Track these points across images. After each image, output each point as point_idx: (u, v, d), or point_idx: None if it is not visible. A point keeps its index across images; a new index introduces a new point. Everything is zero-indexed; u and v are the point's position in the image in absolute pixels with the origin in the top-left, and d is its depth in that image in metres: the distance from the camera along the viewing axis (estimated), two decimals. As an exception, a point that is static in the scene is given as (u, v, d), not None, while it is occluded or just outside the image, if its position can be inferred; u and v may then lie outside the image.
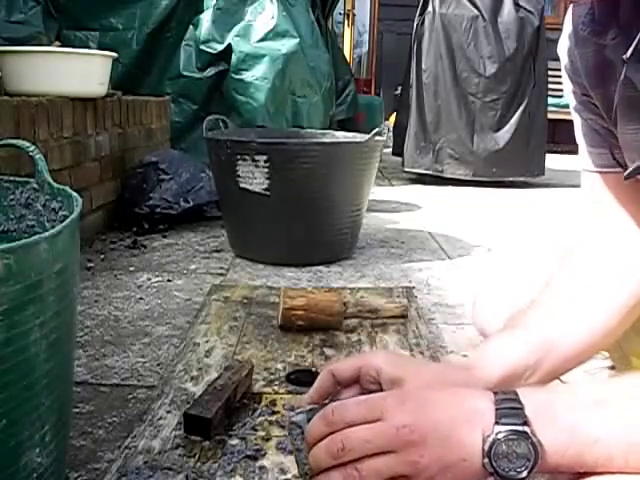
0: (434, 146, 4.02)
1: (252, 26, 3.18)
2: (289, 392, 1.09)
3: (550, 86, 4.27)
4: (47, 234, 0.63)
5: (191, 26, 3.21)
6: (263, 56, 3.09)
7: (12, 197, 0.87)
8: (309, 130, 2.75)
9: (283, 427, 0.96)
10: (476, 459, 0.51)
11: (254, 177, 1.94)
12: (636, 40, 0.59)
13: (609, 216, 0.79)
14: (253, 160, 1.92)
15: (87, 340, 1.39)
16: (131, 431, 0.96)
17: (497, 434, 0.51)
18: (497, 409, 0.52)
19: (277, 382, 1.13)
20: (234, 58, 3.11)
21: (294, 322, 1.37)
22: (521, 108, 3.99)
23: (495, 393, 0.54)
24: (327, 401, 0.66)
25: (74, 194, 0.80)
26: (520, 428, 0.50)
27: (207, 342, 1.30)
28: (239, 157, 1.94)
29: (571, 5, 0.72)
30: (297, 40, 3.18)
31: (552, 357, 0.72)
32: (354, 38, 6.97)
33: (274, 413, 1.01)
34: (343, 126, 3.97)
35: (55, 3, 3.08)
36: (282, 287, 1.56)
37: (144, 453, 0.89)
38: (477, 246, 2.42)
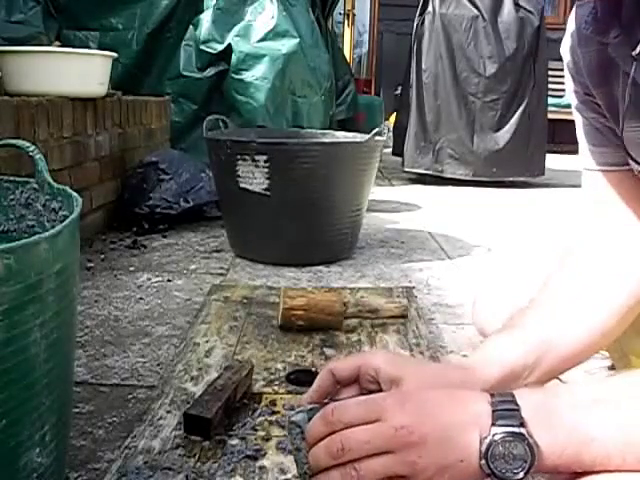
0: (434, 146, 4.02)
1: (252, 26, 3.18)
2: (289, 392, 1.09)
3: (550, 86, 4.27)
4: (47, 234, 0.63)
5: (191, 26, 3.21)
6: (263, 56, 3.09)
7: (12, 197, 0.87)
8: (309, 130, 2.75)
9: (283, 427, 0.96)
10: (473, 460, 0.52)
11: (254, 177, 1.94)
12: None
13: (610, 215, 0.79)
14: (253, 160, 1.92)
15: (87, 340, 1.39)
16: (131, 431, 0.96)
17: (494, 436, 0.51)
18: (494, 411, 0.53)
19: (277, 382, 1.13)
20: (234, 58, 3.11)
21: (294, 322, 1.37)
22: (521, 108, 3.99)
23: (492, 395, 0.55)
24: (327, 400, 0.67)
25: (74, 194, 0.80)
26: (516, 430, 0.51)
27: (207, 342, 1.30)
28: (239, 157, 1.94)
29: (575, 5, 0.72)
30: (297, 40, 3.18)
31: (551, 357, 0.72)
32: (354, 38, 6.97)
33: (274, 413, 1.01)
34: (343, 126, 3.97)
35: (55, 3, 3.08)
36: (282, 287, 1.56)
37: (144, 453, 0.89)
38: (477, 246, 2.42)
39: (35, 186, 0.86)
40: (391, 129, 4.48)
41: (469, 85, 3.96)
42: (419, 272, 2.03)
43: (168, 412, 1.01)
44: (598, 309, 0.76)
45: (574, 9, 0.73)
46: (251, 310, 1.51)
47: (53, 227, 0.67)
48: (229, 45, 3.13)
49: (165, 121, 3.11)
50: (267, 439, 0.93)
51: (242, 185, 1.97)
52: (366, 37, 8.02)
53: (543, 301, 0.78)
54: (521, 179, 4.13)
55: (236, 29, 3.17)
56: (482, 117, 3.99)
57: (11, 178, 0.88)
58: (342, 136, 2.37)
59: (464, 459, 0.52)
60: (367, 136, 2.02)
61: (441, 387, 0.63)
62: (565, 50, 0.77)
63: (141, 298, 1.68)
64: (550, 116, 4.43)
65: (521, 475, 0.51)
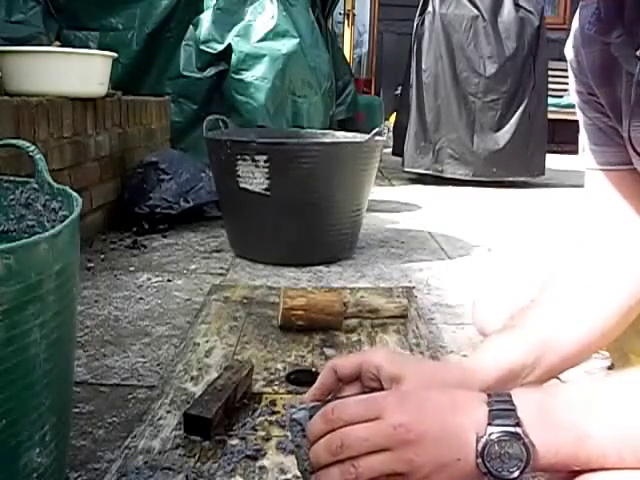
0: (434, 146, 4.02)
1: (252, 26, 3.18)
2: (289, 392, 1.09)
3: (550, 86, 4.27)
4: (47, 234, 0.63)
5: (191, 26, 3.21)
6: (263, 56, 3.09)
7: (12, 197, 0.87)
8: (309, 130, 2.75)
9: (283, 427, 0.96)
10: (470, 459, 0.53)
11: (254, 177, 1.94)
12: None
13: (611, 215, 0.79)
14: (253, 160, 1.92)
15: (87, 340, 1.39)
16: (131, 431, 0.96)
17: (490, 435, 0.52)
18: (490, 410, 0.53)
19: (277, 382, 1.13)
20: (234, 58, 3.11)
21: (294, 322, 1.37)
22: (521, 108, 3.99)
23: (489, 395, 0.55)
24: (329, 398, 0.68)
25: (74, 194, 0.80)
26: (512, 429, 0.52)
27: (207, 342, 1.30)
28: (239, 157, 1.94)
29: (579, 6, 0.73)
30: (297, 40, 3.18)
31: (550, 357, 0.73)
32: (354, 38, 6.97)
33: (274, 413, 1.01)
34: (343, 126, 3.97)
35: (55, 3, 3.08)
36: (282, 287, 1.56)
37: (144, 453, 0.89)
38: (477, 246, 2.42)
39: (35, 186, 0.86)
40: (391, 129, 4.48)
41: (469, 85, 3.96)
42: (419, 272, 2.03)
43: (168, 412, 1.01)
44: (598, 309, 0.76)
45: (578, 10, 0.74)
46: (251, 310, 1.51)
47: (53, 227, 0.67)
48: (229, 45, 3.13)
49: (165, 121, 3.11)
50: (267, 439, 0.93)
51: (242, 185, 1.97)
52: (366, 37, 8.01)
53: (543, 301, 0.78)
54: (521, 179, 4.13)
55: (236, 29, 3.17)
56: (482, 117, 3.99)
57: (11, 178, 0.88)
58: (342, 136, 2.37)
59: (461, 457, 0.53)
60: (367, 136, 2.02)
61: (441, 386, 0.65)
62: (569, 50, 0.78)
63: (141, 298, 1.68)
64: (550, 116, 4.43)
65: (516, 474, 0.52)
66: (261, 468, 0.86)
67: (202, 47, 3.17)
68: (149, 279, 1.85)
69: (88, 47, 3.01)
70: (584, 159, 0.83)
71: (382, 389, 0.67)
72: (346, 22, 6.64)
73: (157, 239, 2.34)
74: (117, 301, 1.65)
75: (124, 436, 0.97)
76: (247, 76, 3.09)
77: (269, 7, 3.20)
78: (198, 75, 3.19)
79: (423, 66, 3.98)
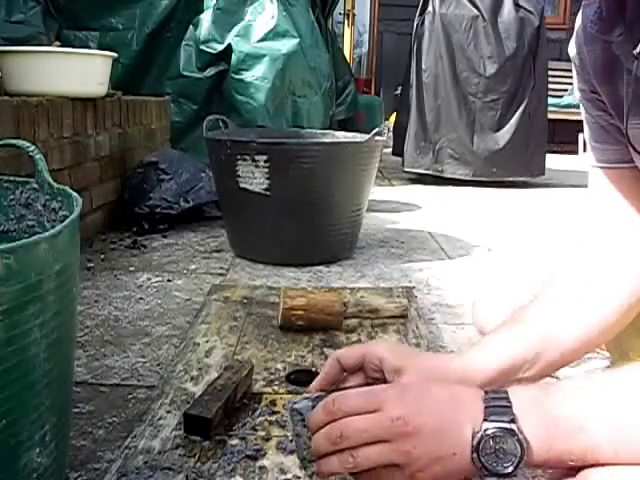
0: (434, 146, 4.02)
1: (252, 26, 3.18)
2: (289, 392, 1.09)
3: (550, 86, 4.27)
4: (47, 234, 0.63)
5: (191, 26, 3.21)
6: (263, 56, 3.09)
7: (12, 197, 0.87)
8: (309, 130, 2.75)
9: (283, 427, 0.96)
10: (466, 454, 0.54)
11: (254, 177, 1.94)
12: None
13: (611, 213, 0.80)
14: (253, 160, 1.92)
15: (87, 340, 1.39)
16: (131, 431, 0.96)
17: (485, 431, 0.53)
18: (486, 407, 0.55)
19: (277, 382, 1.13)
20: (234, 58, 3.11)
21: (294, 322, 1.37)
22: (521, 108, 3.99)
23: (487, 392, 0.57)
24: (333, 387, 0.70)
25: (74, 194, 0.80)
26: (507, 425, 0.53)
27: (207, 342, 1.30)
28: (239, 157, 1.94)
29: (582, 4, 0.74)
30: (297, 40, 3.18)
31: (550, 352, 0.74)
32: (354, 38, 6.96)
33: (274, 413, 1.01)
34: (343, 126, 3.97)
35: (55, 3, 3.08)
36: (282, 287, 1.56)
37: (144, 453, 0.89)
38: (477, 246, 2.42)
39: (35, 186, 0.86)
40: (391, 129, 4.48)
41: (469, 85, 3.96)
42: (419, 272, 2.03)
43: (168, 412, 1.01)
44: (598, 307, 0.77)
45: (581, 8, 0.75)
46: (251, 310, 1.51)
47: (53, 227, 0.67)
48: (229, 45, 3.13)
49: (165, 121, 3.11)
50: (267, 439, 0.93)
51: (242, 185, 1.97)
52: (366, 37, 8.01)
53: (544, 298, 0.79)
54: (521, 179, 4.13)
55: (236, 29, 3.17)
56: (482, 117, 3.99)
57: (11, 178, 0.88)
58: (342, 136, 2.37)
59: (457, 452, 0.54)
60: (367, 136, 2.01)
61: (441, 379, 0.67)
62: (572, 48, 0.79)
63: (141, 298, 1.68)
64: (550, 116, 4.43)
65: (510, 469, 0.53)
66: (261, 468, 0.86)
67: (202, 47, 3.17)
68: (149, 279, 1.85)
69: (88, 47, 3.01)
70: (587, 156, 0.83)
71: (385, 380, 0.68)
72: (346, 22, 6.63)
73: (157, 239, 2.34)
74: (117, 301, 1.65)
75: (124, 436, 0.97)
76: (247, 76, 3.09)
77: (269, 7, 3.20)
78: (198, 75, 3.19)
79: (423, 66, 3.98)
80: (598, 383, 0.58)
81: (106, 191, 2.44)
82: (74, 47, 2.80)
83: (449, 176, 4.03)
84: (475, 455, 0.54)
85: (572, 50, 0.79)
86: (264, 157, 1.91)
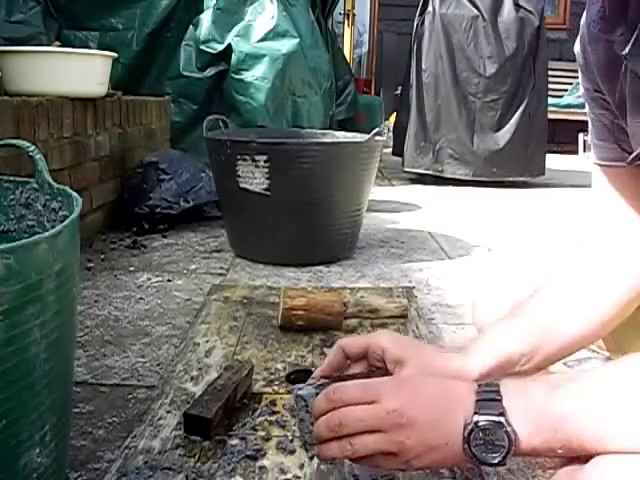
0: (434, 146, 4.02)
1: (252, 26, 3.18)
2: (289, 392, 1.09)
3: (550, 86, 4.27)
4: (47, 234, 0.63)
5: (191, 26, 3.21)
6: (263, 56, 3.09)
7: (12, 197, 0.87)
8: (309, 130, 2.75)
9: (283, 427, 0.96)
10: (457, 444, 0.58)
11: (254, 177, 1.94)
12: (634, 37, 0.63)
13: (611, 210, 0.81)
14: (253, 160, 1.92)
15: (87, 340, 1.39)
16: (131, 431, 0.96)
17: (476, 423, 0.57)
18: (477, 400, 0.59)
19: (277, 382, 1.13)
20: (234, 58, 3.11)
21: (294, 322, 1.37)
22: (521, 108, 3.99)
23: (479, 385, 0.61)
24: (337, 375, 0.75)
25: (74, 194, 0.80)
26: (496, 418, 0.57)
27: (207, 342, 1.30)
28: (239, 157, 1.94)
29: (586, 3, 0.75)
30: (297, 40, 3.18)
31: (548, 346, 0.77)
32: (354, 38, 6.96)
33: (274, 413, 1.01)
34: (343, 126, 3.97)
35: (55, 3, 3.08)
36: (282, 287, 1.56)
37: (144, 453, 0.89)
38: (477, 246, 2.42)
39: (35, 186, 0.86)
40: (391, 129, 4.48)
41: (469, 85, 3.96)
42: (419, 272, 2.03)
43: (168, 412, 1.01)
44: (598, 301, 0.79)
45: (586, 7, 0.75)
46: (251, 310, 1.51)
47: (53, 227, 0.67)
48: (229, 45, 3.13)
49: (165, 121, 3.11)
50: (267, 439, 0.93)
51: (242, 185, 1.97)
52: (366, 37, 8.01)
53: (544, 293, 0.81)
54: (521, 179, 4.13)
55: (236, 29, 3.17)
56: (482, 117, 3.99)
57: (11, 178, 0.88)
58: (342, 136, 2.37)
59: (449, 442, 0.58)
60: (367, 136, 2.01)
61: (441, 371, 0.71)
62: (577, 47, 0.80)
63: (141, 298, 1.68)
64: (550, 116, 4.43)
65: (499, 459, 0.57)
66: (261, 468, 0.86)
67: (202, 47, 3.16)
68: (149, 279, 1.85)
69: (88, 47, 3.01)
70: (590, 155, 0.85)
71: (386, 369, 0.73)
72: (346, 22, 6.63)
73: (157, 239, 2.34)
74: (117, 301, 1.65)
75: (124, 436, 0.97)
76: (247, 76, 3.09)
77: (269, 7, 3.20)
78: (198, 75, 3.19)
79: (423, 66, 3.98)
80: (585, 376, 0.61)
81: (106, 191, 2.44)
82: (74, 47, 2.80)
83: (449, 176, 4.03)
84: (466, 446, 0.57)
85: (577, 48, 0.80)
86: (264, 157, 1.91)
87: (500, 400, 0.58)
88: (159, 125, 3.02)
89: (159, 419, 0.99)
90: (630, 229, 0.79)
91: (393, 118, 4.96)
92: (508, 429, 0.56)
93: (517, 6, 3.95)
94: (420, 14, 4.01)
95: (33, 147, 0.82)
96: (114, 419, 1.06)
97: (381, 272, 2.01)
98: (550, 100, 4.40)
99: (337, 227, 2.08)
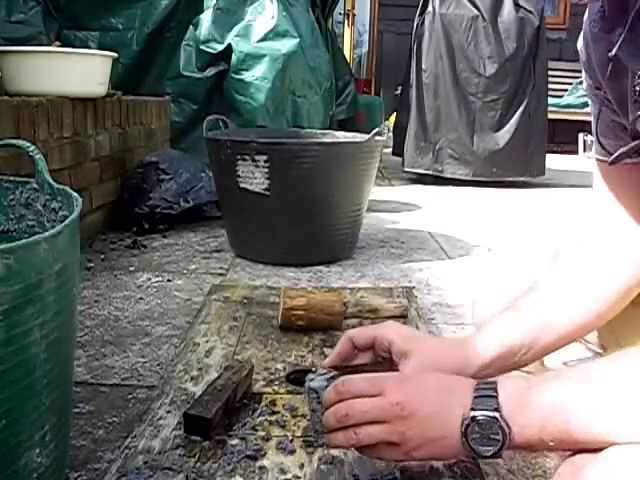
0: (434, 146, 4.02)
1: (252, 26, 3.18)
2: (289, 392, 1.09)
3: (550, 86, 4.27)
4: (47, 234, 0.63)
5: (191, 26, 3.21)
6: (263, 56, 3.09)
7: (12, 197, 0.87)
8: (309, 130, 2.75)
9: (283, 427, 0.96)
10: (455, 437, 0.62)
11: (254, 177, 1.94)
12: (621, 38, 0.65)
13: (609, 204, 0.83)
14: (253, 160, 1.92)
15: (87, 340, 1.39)
16: (131, 431, 0.96)
17: (472, 418, 0.61)
18: (475, 397, 0.62)
19: (277, 382, 1.13)
20: (234, 58, 3.10)
21: (294, 322, 1.37)
22: (521, 108, 3.99)
23: (478, 383, 0.64)
24: (344, 364, 0.80)
25: (74, 194, 0.80)
26: (491, 414, 0.60)
27: (207, 342, 1.30)
28: (239, 157, 1.94)
29: (588, 3, 0.75)
30: (297, 40, 3.18)
31: (547, 336, 0.80)
32: (354, 38, 6.96)
33: (274, 413, 1.01)
34: (343, 126, 3.97)
35: (55, 3, 3.08)
36: (282, 287, 1.56)
37: (144, 453, 0.89)
38: (477, 246, 2.42)
39: (35, 186, 0.86)
40: (391, 129, 4.48)
41: (469, 85, 3.96)
42: (419, 272, 2.03)
43: (168, 412, 1.01)
44: (595, 293, 0.81)
45: (587, 6, 0.76)
46: (251, 310, 1.51)
47: (53, 227, 0.67)
48: (229, 45, 3.13)
49: (165, 121, 3.11)
50: (267, 439, 0.93)
51: (242, 185, 1.97)
52: (366, 37, 8.01)
53: (543, 284, 0.84)
54: (521, 179, 4.13)
55: (236, 29, 3.17)
56: (482, 117, 3.99)
57: (11, 178, 0.88)
58: (342, 136, 2.37)
59: (447, 435, 0.62)
60: (367, 136, 2.01)
61: (444, 363, 0.75)
62: (580, 43, 0.81)
63: (141, 298, 1.68)
64: (550, 116, 4.43)
65: (494, 451, 0.61)
66: (261, 468, 0.86)
67: (202, 47, 3.16)
68: (149, 279, 1.85)
69: (88, 47, 3.01)
70: (593, 149, 0.87)
71: (392, 360, 0.78)
72: (346, 22, 6.63)
73: (157, 239, 2.34)
74: (117, 301, 1.65)
75: (124, 436, 0.97)
76: (247, 76, 3.09)
77: (269, 7, 3.20)
78: (198, 75, 3.19)
79: (423, 66, 3.98)
80: (576, 371, 0.64)
81: (106, 191, 2.44)
82: (74, 47, 2.80)
83: (449, 176, 4.03)
84: (464, 439, 0.61)
85: (580, 45, 0.81)
86: (264, 157, 1.91)
87: (496, 397, 0.61)
88: (159, 125, 3.02)
89: (159, 419, 0.98)
90: (627, 223, 0.81)
91: (393, 118, 4.96)
92: (502, 424, 0.60)
93: (517, 6, 3.95)
94: (420, 14, 4.01)
95: (33, 147, 0.82)
96: (114, 419, 1.06)
97: (381, 272, 2.01)
98: (550, 100, 4.40)
99: (337, 227, 2.08)
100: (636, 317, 0.83)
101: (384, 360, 0.80)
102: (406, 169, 4.12)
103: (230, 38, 3.15)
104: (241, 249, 2.14)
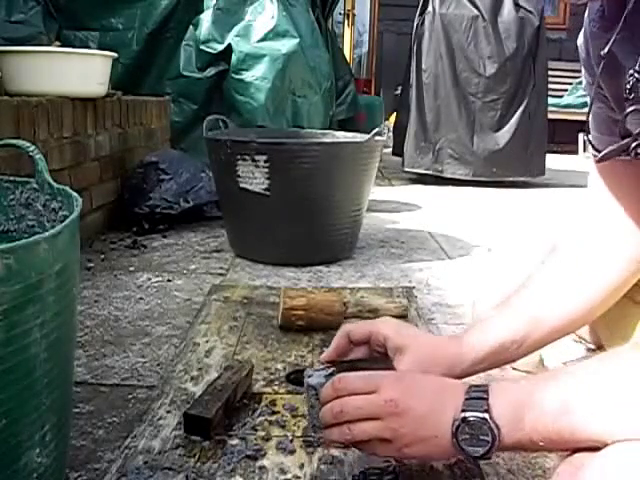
0: (434, 146, 4.02)
1: (252, 26, 3.18)
2: (289, 392, 1.09)
3: (550, 86, 4.26)
4: (47, 234, 0.63)
5: (191, 26, 3.21)
6: (263, 56, 3.09)
7: (12, 197, 0.87)
8: (309, 130, 2.75)
9: (283, 427, 0.96)
10: (446, 437, 0.63)
11: (254, 177, 1.94)
12: (613, 37, 0.66)
13: (602, 200, 0.84)
14: (253, 160, 1.92)
15: (87, 340, 1.39)
16: (131, 431, 0.96)
17: (463, 419, 0.62)
18: (466, 399, 0.63)
19: (277, 382, 1.13)
20: (234, 58, 3.10)
21: (294, 322, 1.37)
22: (521, 108, 3.99)
23: (470, 385, 0.66)
24: (341, 359, 0.83)
25: (74, 194, 0.80)
26: (481, 415, 0.62)
27: (207, 342, 1.30)
28: (239, 157, 1.94)
29: (588, 2, 0.76)
30: (297, 40, 3.18)
31: (539, 331, 0.82)
32: (354, 38, 6.96)
33: (274, 413, 1.01)
34: (343, 126, 3.97)
35: (55, 3, 3.08)
36: (282, 287, 1.56)
37: (144, 453, 0.89)
38: (477, 246, 2.42)
39: (35, 186, 0.86)
40: (391, 129, 4.48)
41: (469, 85, 3.96)
42: (419, 272, 2.03)
43: (168, 412, 1.01)
44: (586, 288, 0.83)
45: (587, 5, 0.76)
46: (251, 310, 1.51)
47: (53, 227, 0.67)
48: (229, 45, 3.13)
49: (165, 121, 3.11)
50: (267, 439, 0.93)
51: (242, 185, 1.97)
52: (366, 37, 8.01)
53: (535, 279, 0.86)
54: (521, 179, 4.13)
55: (236, 29, 3.16)
56: (482, 117, 3.99)
57: (11, 178, 0.88)
58: (342, 136, 2.37)
59: (438, 435, 0.63)
60: (367, 136, 2.01)
61: (438, 359, 0.78)
62: (580, 40, 0.81)
63: (141, 298, 1.68)
64: (550, 116, 4.43)
65: (482, 452, 0.62)
66: (261, 468, 0.86)
67: (202, 47, 3.16)
68: (149, 279, 1.85)
69: (88, 47, 3.01)
70: (588, 148, 0.88)
71: (387, 355, 0.80)
72: (346, 22, 6.63)
73: (157, 239, 2.34)
74: (117, 301, 1.65)
75: (124, 436, 0.97)
76: (247, 76, 3.09)
77: (269, 7, 3.20)
78: (198, 75, 3.19)
79: (423, 66, 3.98)
80: (566, 371, 0.66)
81: (106, 191, 2.44)
82: (74, 47, 2.80)
83: (449, 176, 4.03)
84: (454, 439, 0.62)
85: (580, 41, 0.81)
86: (264, 157, 1.91)
87: (487, 399, 0.62)
88: (159, 125, 3.02)
89: (159, 419, 0.98)
90: (620, 218, 0.82)
91: (393, 118, 4.96)
92: (492, 425, 0.61)
93: (517, 6, 3.95)
94: (420, 14, 4.01)
95: (33, 147, 0.82)
96: (114, 419, 1.06)
97: (381, 272, 2.01)
98: (550, 100, 4.40)
99: (337, 227, 2.08)
100: (632, 314, 0.84)
101: (379, 355, 0.82)
102: (406, 169, 4.12)
103: (230, 38, 3.15)
104: (241, 249, 2.14)
